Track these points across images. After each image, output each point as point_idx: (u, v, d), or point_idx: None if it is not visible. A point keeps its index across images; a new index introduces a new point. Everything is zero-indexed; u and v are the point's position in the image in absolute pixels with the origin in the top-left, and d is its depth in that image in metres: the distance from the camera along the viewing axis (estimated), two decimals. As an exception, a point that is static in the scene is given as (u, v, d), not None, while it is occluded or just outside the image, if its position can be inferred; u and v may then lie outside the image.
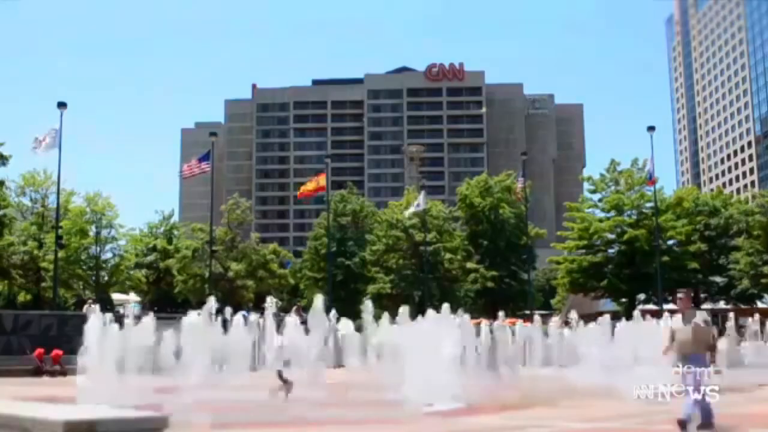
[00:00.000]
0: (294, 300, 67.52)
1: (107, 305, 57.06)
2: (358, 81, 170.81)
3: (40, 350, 29.79)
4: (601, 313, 57.82)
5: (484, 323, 32.09)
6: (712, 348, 13.98)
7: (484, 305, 68.42)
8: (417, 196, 62.09)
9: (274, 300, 27.63)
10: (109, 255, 62.49)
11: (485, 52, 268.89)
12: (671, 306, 54.91)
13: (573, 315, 30.36)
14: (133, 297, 65.15)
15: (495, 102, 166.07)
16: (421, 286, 59.83)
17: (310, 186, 47.38)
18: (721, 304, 55.67)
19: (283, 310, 64.76)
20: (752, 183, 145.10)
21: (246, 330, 24.07)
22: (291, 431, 15.08)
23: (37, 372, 28.99)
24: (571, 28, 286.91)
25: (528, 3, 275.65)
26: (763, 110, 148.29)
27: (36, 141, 35.82)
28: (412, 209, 55.35)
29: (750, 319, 38.62)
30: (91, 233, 59.69)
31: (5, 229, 54.12)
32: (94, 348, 16.91)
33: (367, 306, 26.94)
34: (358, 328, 28.44)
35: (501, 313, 38.34)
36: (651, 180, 48.69)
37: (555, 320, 34.19)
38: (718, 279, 55.20)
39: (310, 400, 18.95)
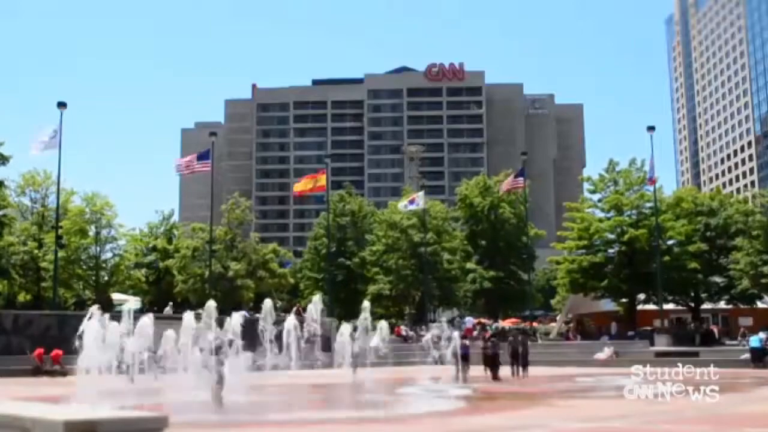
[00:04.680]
0: (294, 300, 67.50)
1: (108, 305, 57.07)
2: (358, 81, 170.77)
3: (40, 350, 29.78)
4: (600, 313, 57.94)
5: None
6: None
7: (483, 305, 68.42)
8: (415, 194, 61.95)
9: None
10: (109, 255, 62.41)
11: (485, 52, 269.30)
12: (671, 306, 54.97)
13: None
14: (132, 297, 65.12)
15: (495, 102, 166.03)
16: (421, 286, 59.79)
17: (307, 184, 47.23)
18: (722, 304, 55.60)
19: (284, 310, 64.89)
20: (752, 183, 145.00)
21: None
22: (291, 429, 15.08)
23: (37, 372, 28.99)
24: (571, 28, 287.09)
25: (528, 3, 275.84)
26: (763, 110, 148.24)
27: (36, 142, 35.78)
28: (406, 205, 55.14)
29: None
30: (91, 233, 59.61)
31: (5, 229, 54.08)
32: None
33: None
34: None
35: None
36: (651, 180, 48.62)
37: (553, 326, 34.26)
38: (718, 279, 55.06)
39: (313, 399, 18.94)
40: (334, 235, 65.83)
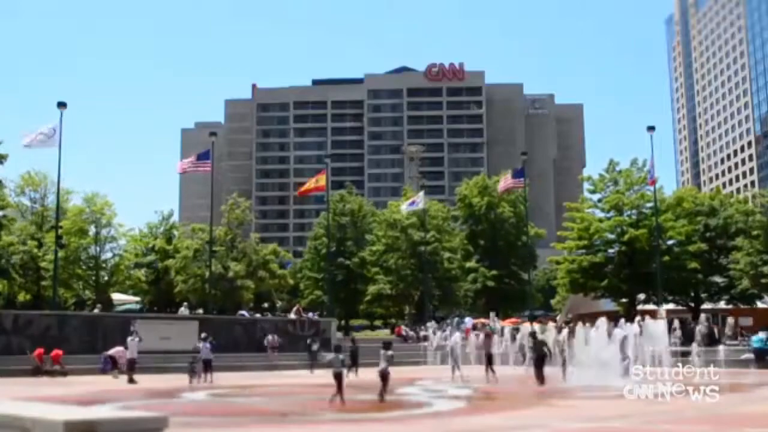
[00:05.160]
0: (294, 300, 67.55)
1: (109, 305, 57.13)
2: (358, 81, 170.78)
3: (40, 350, 29.76)
4: (600, 313, 57.77)
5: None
6: None
7: (484, 305, 68.45)
8: (416, 194, 61.94)
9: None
10: (108, 255, 62.44)
11: (485, 52, 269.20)
12: (671, 306, 54.94)
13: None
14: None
15: (495, 102, 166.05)
16: (421, 286, 59.80)
17: (309, 185, 47.26)
18: (722, 304, 55.59)
19: (284, 310, 64.89)
20: (752, 183, 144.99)
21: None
22: (291, 429, 15.08)
23: (37, 372, 28.97)
24: (571, 28, 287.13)
25: (528, 3, 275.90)
26: (763, 110, 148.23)
27: (32, 138, 35.63)
28: (407, 206, 55.16)
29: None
30: (91, 233, 59.64)
31: (5, 230, 54.07)
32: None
33: None
34: None
35: (492, 314, 38.13)
36: (651, 180, 48.60)
37: (552, 326, 34.21)
38: (718, 279, 55.03)
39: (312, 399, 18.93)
40: (334, 235, 65.83)
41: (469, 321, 52.77)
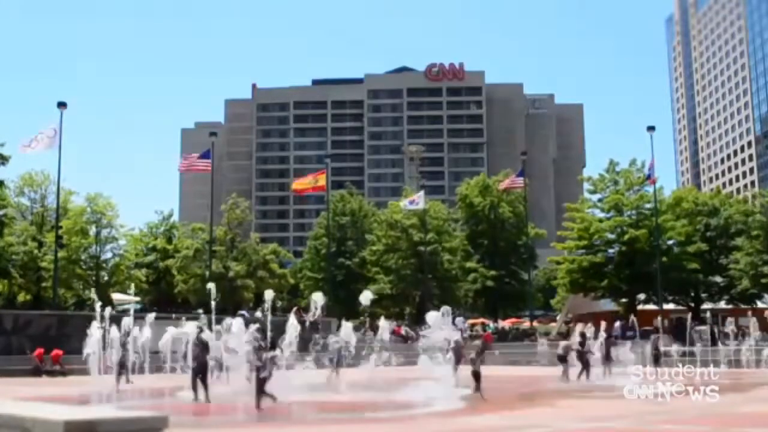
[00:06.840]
0: (294, 300, 67.56)
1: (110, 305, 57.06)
2: (358, 81, 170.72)
3: (40, 350, 29.78)
4: (600, 313, 57.80)
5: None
6: None
7: (484, 305, 68.44)
8: (415, 194, 61.86)
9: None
10: (109, 255, 62.48)
11: (485, 52, 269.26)
12: (671, 306, 54.95)
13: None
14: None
15: (495, 102, 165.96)
16: (421, 286, 59.80)
17: (306, 183, 47.20)
18: (722, 304, 55.62)
19: (284, 310, 64.78)
20: (752, 183, 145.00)
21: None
22: (293, 429, 15.09)
23: (37, 372, 28.99)
24: (571, 28, 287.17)
25: (528, 3, 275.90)
26: (763, 110, 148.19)
27: (32, 139, 35.64)
28: (408, 205, 55.08)
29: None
30: (91, 233, 59.66)
31: (5, 229, 54.09)
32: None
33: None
34: None
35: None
36: (652, 179, 48.62)
37: (553, 326, 33.77)
38: (718, 279, 55.09)
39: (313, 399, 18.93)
40: (334, 235, 65.83)
41: (459, 321, 50.33)
